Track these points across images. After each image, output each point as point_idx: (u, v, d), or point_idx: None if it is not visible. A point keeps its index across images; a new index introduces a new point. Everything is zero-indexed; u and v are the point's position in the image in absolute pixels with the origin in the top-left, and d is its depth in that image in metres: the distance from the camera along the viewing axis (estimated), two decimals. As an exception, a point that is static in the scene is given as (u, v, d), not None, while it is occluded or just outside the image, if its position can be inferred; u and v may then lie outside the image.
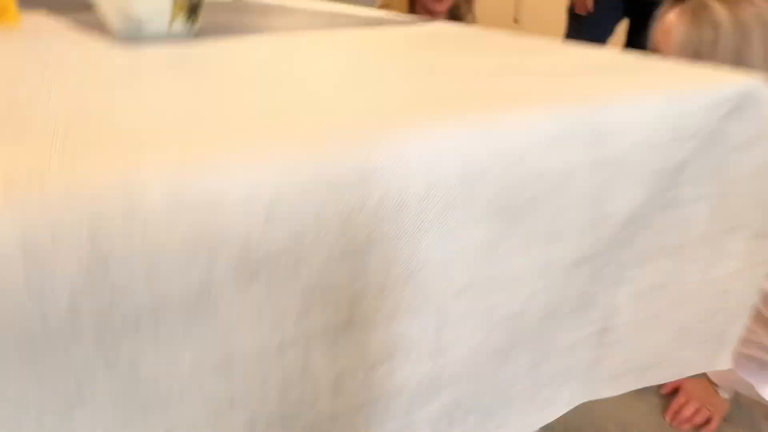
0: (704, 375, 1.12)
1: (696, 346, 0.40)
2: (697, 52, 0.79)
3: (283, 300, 0.19)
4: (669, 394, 1.17)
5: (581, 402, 0.39)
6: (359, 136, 0.20)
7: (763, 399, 1.01)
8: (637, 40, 1.78)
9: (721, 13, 0.77)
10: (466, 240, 0.23)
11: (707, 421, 1.08)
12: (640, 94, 0.26)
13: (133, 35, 0.43)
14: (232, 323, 0.18)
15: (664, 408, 1.13)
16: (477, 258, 0.23)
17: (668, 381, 0.41)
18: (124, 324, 0.16)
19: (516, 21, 3.07)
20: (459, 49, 0.39)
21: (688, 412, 1.09)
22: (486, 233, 0.23)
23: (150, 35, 0.43)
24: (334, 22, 0.53)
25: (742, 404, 1.10)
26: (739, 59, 0.75)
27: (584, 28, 1.80)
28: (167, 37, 0.43)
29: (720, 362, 0.42)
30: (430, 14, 1.47)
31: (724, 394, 1.10)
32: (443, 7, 1.48)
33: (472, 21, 1.53)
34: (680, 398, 1.11)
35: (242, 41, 0.43)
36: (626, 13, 1.79)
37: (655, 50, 0.90)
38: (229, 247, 0.17)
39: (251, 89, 0.27)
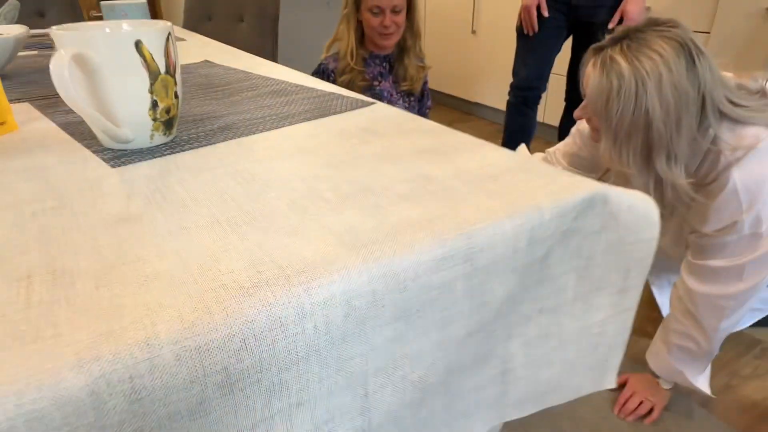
0: (649, 369, 1.25)
1: (584, 374, 0.52)
2: (608, 96, 0.93)
3: (251, 401, 0.29)
4: (617, 388, 1.31)
5: (493, 425, 0.50)
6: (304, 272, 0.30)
7: (696, 387, 1.15)
8: (580, 57, 1.92)
9: (624, 66, 0.91)
10: (379, 338, 0.33)
11: (650, 412, 1.22)
12: (503, 217, 0.37)
13: (119, 147, 0.52)
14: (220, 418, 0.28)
15: (615, 402, 1.26)
16: (387, 348, 0.34)
17: (560, 402, 0.51)
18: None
19: (474, 32, 3.20)
20: (378, 158, 0.49)
21: (632, 404, 1.23)
22: (391, 332, 0.34)
23: (134, 147, 0.52)
24: (285, 113, 0.63)
25: (681, 393, 1.24)
26: (638, 102, 0.90)
27: (532, 47, 1.94)
28: (149, 146, 0.53)
29: (606, 383, 0.53)
30: (380, 48, 1.57)
31: (665, 386, 1.24)
32: (391, 42, 1.57)
33: (419, 53, 1.63)
34: (626, 392, 1.25)
35: (210, 149, 0.52)
36: (570, 31, 1.93)
37: (582, 92, 1.04)
38: (215, 374, 0.27)
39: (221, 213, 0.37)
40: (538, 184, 0.42)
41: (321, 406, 0.33)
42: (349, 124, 0.59)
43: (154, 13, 4.15)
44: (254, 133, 0.56)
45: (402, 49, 1.63)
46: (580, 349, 0.49)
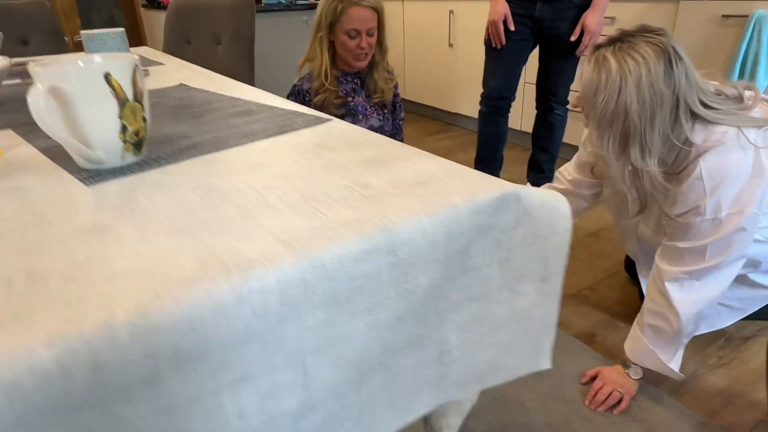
0: (620, 361, 1.31)
1: (519, 356, 0.58)
2: (596, 88, 1.07)
3: (199, 375, 0.35)
4: (587, 382, 1.36)
5: (438, 404, 0.55)
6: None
7: (667, 372, 1.21)
8: (547, 66, 2.02)
9: (612, 63, 1.04)
10: (311, 321, 0.39)
11: (619, 402, 1.28)
12: (422, 215, 0.43)
13: (93, 168, 0.58)
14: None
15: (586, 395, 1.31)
16: (321, 330, 0.40)
17: (501, 382, 0.57)
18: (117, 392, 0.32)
19: (451, 45, 3.29)
20: (325, 169, 0.55)
21: (602, 395, 1.28)
22: (324, 316, 0.40)
23: (107, 167, 0.58)
24: (248, 131, 0.69)
25: (650, 383, 1.30)
26: (620, 95, 1.04)
27: (500, 59, 2.05)
28: (121, 165, 0.59)
29: (541, 364, 0.59)
30: (351, 67, 1.63)
31: (635, 376, 1.30)
32: (365, 63, 1.63)
33: (387, 66, 1.69)
34: (596, 384, 1.31)
35: (175, 167, 0.58)
36: (536, 42, 2.02)
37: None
38: (166, 351, 0.33)
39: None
40: (457, 186, 0.48)
41: (265, 381, 0.38)
42: (305, 140, 0.66)
43: (138, 37, 4.23)
44: (217, 151, 0.62)
45: (371, 64, 1.69)
46: (511, 333, 0.55)
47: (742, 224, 1.06)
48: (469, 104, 3.24)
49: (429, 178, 0.51)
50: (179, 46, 1.59)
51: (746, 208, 1.06)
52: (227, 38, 1.56)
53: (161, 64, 1.35)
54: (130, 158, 0.59)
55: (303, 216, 0.44)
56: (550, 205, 0.51)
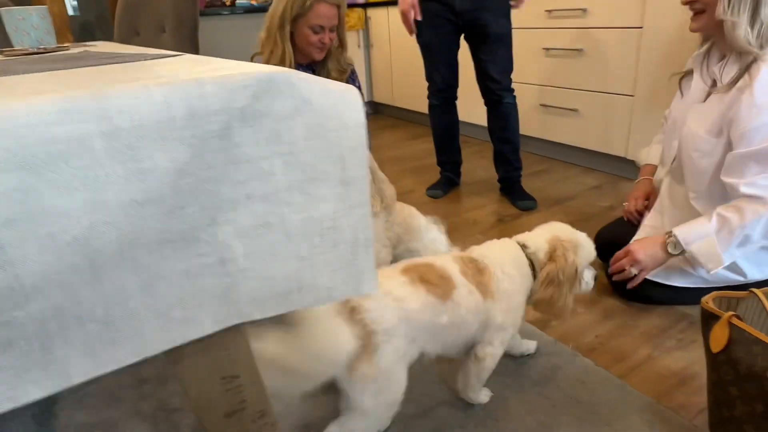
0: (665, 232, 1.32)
1: (332, 275, 0.53)
2: None
3: None
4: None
5: (234, 323, 0.50)
6: None
7: (704, 260, 1.25)
8: (482, 57, 2.10)
9: None
10: (2, 186, 0.35)
11: (639, 274, 1.35)
12: (152, 85, 0.39)
13: None
14: None
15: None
16: (15, 198, 0.36)
17: (314, 305, 0.52)
18: None
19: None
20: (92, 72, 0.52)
21: (618, 266, 1.38)
22: (16, 182, 0.36)
23: None
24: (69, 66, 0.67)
25: (599, 367, 1.22)
26: None
27: (437, 54, 2.15)
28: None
29: (364, 288, 0.54)
30: (306, 59, 1.65)
31: (672, 250, 1.33)
32: (323, 55, 1.68)
33: (343, 61, 1.71)
34: (621, 252, 1.38)
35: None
36: (461, 32, 2.10)
37: None
38: None
39: None
40: (212, 68, 0.45)
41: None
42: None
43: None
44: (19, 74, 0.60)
45: (326, 55, 1.71)
46: (314, 245, 0.50)
47: None
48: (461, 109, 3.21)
49: (185, 66, 0.48)
50: (130, 36, 1.61)
51: None
52: (171, 26, 1.57)
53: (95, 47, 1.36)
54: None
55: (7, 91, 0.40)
56: (336, 93, 0.46)
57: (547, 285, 1.03)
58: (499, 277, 1.01)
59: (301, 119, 0.46)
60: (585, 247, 1.08)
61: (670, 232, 1.29)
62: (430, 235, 1.49)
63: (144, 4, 1.61)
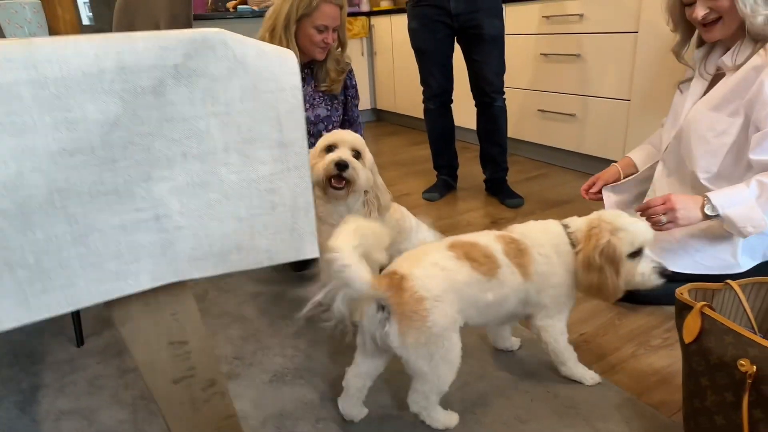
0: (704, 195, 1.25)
1: (273, 238, 0.53)
2: None
3: None
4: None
5: (172, 281, 0.51)
6: None
7: (741, 225, 1.20)
8: (475, 59, 2.12)
9: None
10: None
11: (666, 225, 1.24)
12: (82, 39, 0.41)
13: None
14: None
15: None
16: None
17: (254, 267, 0.53)
18: None
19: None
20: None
21: (652, 210, 1.25)
22: (-58, 122, 0.37)
23: None
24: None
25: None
26: None
27: (431, 59, 2.18)
28: None
29: (306, 252, 0.55)
30: (307, 58, 1.68)
31: (709, 212, 1.27)
32: (325, 54, 1.69)
33: (342, 61, 1.73)
34: (659, 198, 1.28)
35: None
36: (455, 35, 2.13)
37: None
38: None
39: None
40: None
41: None
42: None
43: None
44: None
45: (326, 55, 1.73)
46: (252, 206, 0.51)
47: None
48: (456, 115, 3.23)
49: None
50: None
51: None
52: (164, 21, 1.61)
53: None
54: None
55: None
56: (272, 55, 0.48)
57: (587, 270, 1.01)
58: (536, 260, 1.03)
59: (237, 80, 0.47)
60: (630, 231, 1.01)
61: (706, 195, 1.27)
62: (420, 235, 1.49)
63: (140, 5, 1.65)
